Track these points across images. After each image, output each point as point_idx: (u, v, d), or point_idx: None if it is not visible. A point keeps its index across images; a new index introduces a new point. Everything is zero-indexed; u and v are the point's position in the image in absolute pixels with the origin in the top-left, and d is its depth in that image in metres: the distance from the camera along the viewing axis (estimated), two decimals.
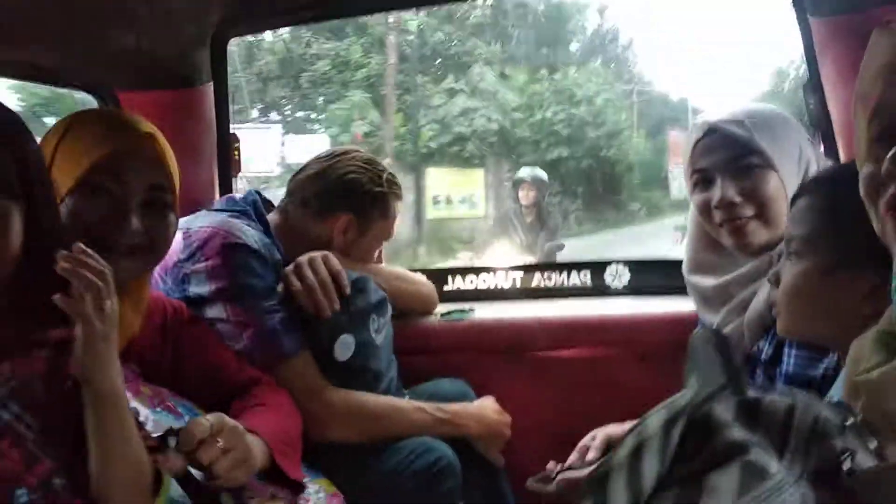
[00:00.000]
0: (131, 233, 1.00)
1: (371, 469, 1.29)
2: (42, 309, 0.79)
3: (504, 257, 5.28)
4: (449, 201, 13.04)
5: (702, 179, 1.24)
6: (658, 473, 0.51)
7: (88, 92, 1.50)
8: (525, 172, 5.56)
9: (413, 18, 13.11)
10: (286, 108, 13.43)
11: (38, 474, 0.77)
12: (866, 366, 0.65)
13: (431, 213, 12.88)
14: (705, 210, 1.24)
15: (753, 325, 1.17)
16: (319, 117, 13.73)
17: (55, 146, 1.00)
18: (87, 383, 0.81)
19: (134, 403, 0.98)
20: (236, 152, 1.75)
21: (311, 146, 9.46)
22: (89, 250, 0.81)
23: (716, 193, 1.20)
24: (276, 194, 1.58)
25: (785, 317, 0.95)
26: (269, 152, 10.37)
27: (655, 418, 0.52)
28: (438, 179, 13.12)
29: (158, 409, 1.02)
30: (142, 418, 0.96)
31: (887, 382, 0.61)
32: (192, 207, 1.41)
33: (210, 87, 1.64)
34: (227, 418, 0.95)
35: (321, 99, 13.56)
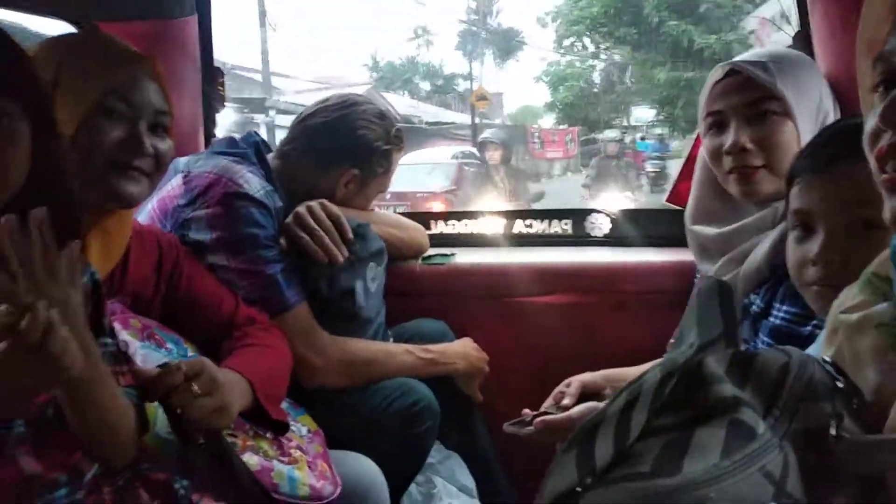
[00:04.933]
0: (145, 157, 1.02)
1: (352, 409, 1.32)
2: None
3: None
4: None
5: (715, 123, 1.20)
6: (644, 423, 0.50)
7: (69, 22, 1.45)
8: (489, 133, 5.79)
9: None
10: None
11: (36, 404, 0.78)
12: (849, 305, 0.65)
13: None
14: (716, 155, 1.20)
15: (750, 277, 1.15)
16: None
17: (57, 68, 0.98)
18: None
19: (124, 336, 0.99)
20: (221, 87, 1.71)
21: None
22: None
23: (728, 138, 1.16)
24: None
25: None
26: None
27: (652, 374, 0.51)
28: None
29: (146, 342, 1.03)
30: (131, 351, 0.98)
31: (864, 326, 0.61)
32: (178, 142, 1.39)
33: (194, 20, 1.60)
34: (206, 364, 0.95)
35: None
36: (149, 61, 1.05)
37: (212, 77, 1.69)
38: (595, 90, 16.84)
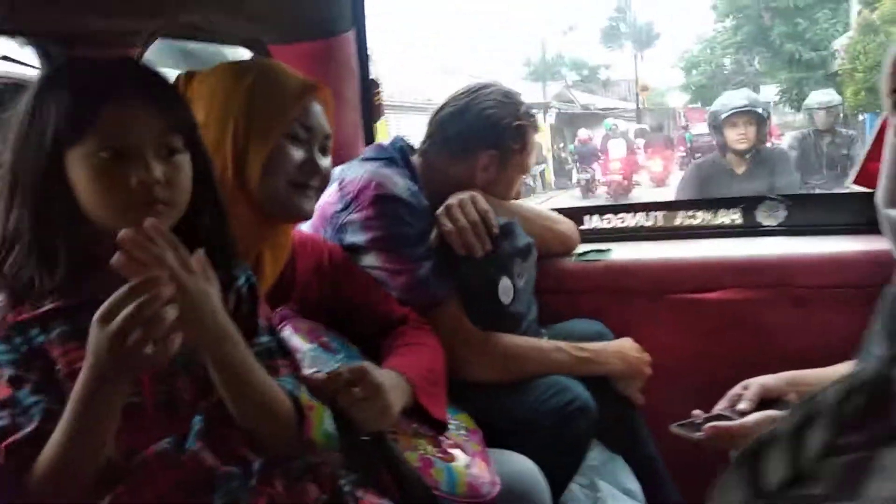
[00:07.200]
0: (318, 176, 1.12)
1: (507, 407, 1.32)
2: (214, 252, 0.86)
3: None
4: None
5: None
6: (824, 444, 0.47)
7: (245, 47, 1.59)
8: (735, 99, 3.12)
9: None
10: None
11: (209, 402, 0.86)
12: None
13: None
14: None
15: None
16: None
17: (248, 97, 1.07)
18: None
19: (295, 339, 1.07)
20: (377, 98, 1.79)
21: None
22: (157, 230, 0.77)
23: None
24: None
25: None
26: None
27: (834, 389, 0.47)
28: None
29: (314, 345, 1.11)
30: (300, 354, 1.05)
31: None
32: (340, 152, 1.47)
33: (351, 35, 1.68)
34: (369, 369, 1.02)
35: None
36: (321, 89, 1.15)
37: (369, 88, 1.77)
38: (726, 72, 23.17)
